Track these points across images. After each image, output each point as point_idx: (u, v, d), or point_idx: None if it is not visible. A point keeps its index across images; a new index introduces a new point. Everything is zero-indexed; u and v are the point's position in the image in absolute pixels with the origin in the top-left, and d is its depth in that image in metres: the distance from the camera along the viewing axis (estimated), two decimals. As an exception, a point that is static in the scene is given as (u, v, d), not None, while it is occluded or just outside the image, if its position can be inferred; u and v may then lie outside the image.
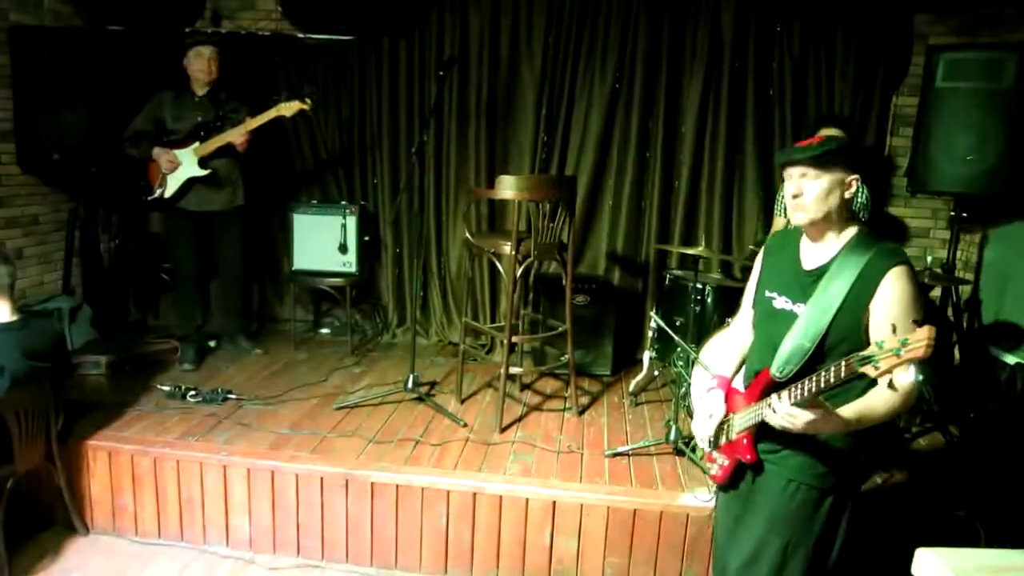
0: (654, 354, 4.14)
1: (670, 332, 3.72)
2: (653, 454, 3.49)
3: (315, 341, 5.15)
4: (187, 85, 4.24)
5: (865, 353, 1.63)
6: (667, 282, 4.41)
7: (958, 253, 4.37)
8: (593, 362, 4.56)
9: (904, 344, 1.56)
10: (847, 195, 1.99)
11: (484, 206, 4.96)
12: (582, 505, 3.12)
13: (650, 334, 4.11)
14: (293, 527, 3.32)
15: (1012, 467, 3.41)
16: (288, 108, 4.10)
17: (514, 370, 3.95)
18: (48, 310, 4.26)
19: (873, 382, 1.68)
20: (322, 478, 3.26)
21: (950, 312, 4.29)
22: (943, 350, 4.25)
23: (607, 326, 4.54)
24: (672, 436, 3.50)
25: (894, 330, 1.61)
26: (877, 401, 1.85)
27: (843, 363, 1.69)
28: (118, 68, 4.60)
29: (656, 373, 4.23)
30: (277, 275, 5.28)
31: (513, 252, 3.62)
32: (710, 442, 2.20)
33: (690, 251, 3.94)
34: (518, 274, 3.70)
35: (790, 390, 1.85)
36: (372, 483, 3.23)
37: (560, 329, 3.98)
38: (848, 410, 1.85)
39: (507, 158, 4.94)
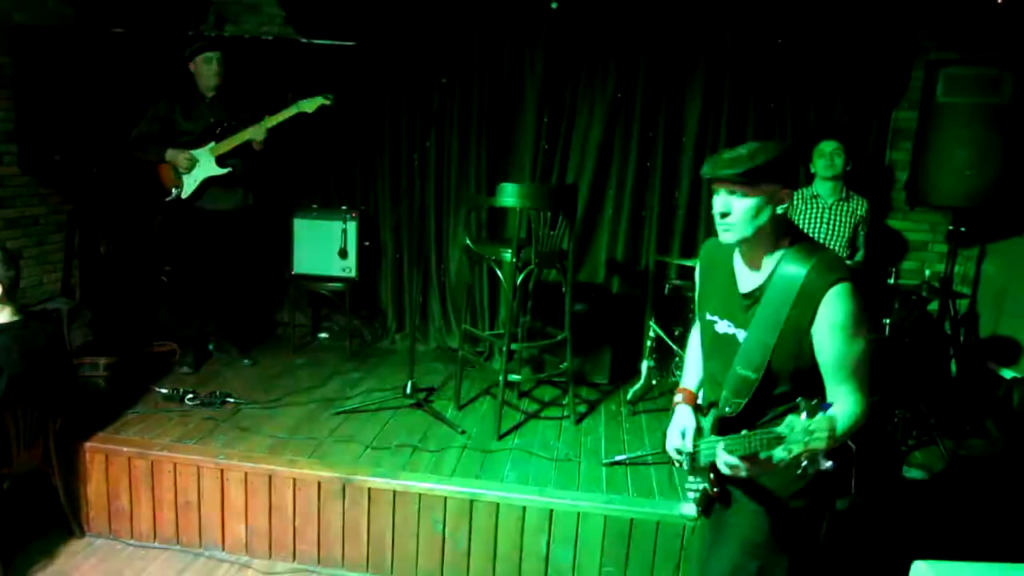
0: (652, 363, 4.15)
1: (668, 342, 3.74)
2: (651, 463, 3.49)
3: (314, 346, 5.16)
4: (194, 88, 4.23)
5: (779, 430, 1.60)
6: (666, 292, 4.42)
7: (956, 267, 4.39)
8: (591, 370, 4.57)
9: (810, 432, 1.52)
10: (780, 210, 1.83)
11: (484, 213, 4.97)
12: (579, 514, 3.12)
13: (648, 343, 4.13)
14: (290, 531, 3.32)
15: (1010, 479, 3.42)
16: (310, 104, 4.08)
17: (512, 377, 3.95)
18: (47, 311, 4.26)
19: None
20: (319, 483, 3.26)
21: (947, 326, 4.31)
22: (940, 364, 4.27)
23: (606, 335, 4.55)
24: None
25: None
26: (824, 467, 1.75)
27: (763, 438, 1.67)
28: (120, 70, 4.60)
29: (654, 382, 4.24)
30: (277, 279, 5.28)
31: (513, 260, 3.63)
32: (685, 457, 2.09)
33: (689, 263, 3.95)
34: (518, 282, 3.71)
35: (725, 447, 1.81)
36: (369, 488, 3.23)
37: (559, 337, 3.98)
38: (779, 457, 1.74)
39: (508, 166, 4.95)
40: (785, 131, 4.62)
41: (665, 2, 4.54)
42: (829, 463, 1.57)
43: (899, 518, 3.13)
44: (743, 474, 1.79)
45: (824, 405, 1.60)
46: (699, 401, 2.18)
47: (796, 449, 1.54)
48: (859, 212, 4.06)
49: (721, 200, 1.85)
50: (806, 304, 1.77)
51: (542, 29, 4.71)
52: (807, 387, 1.83)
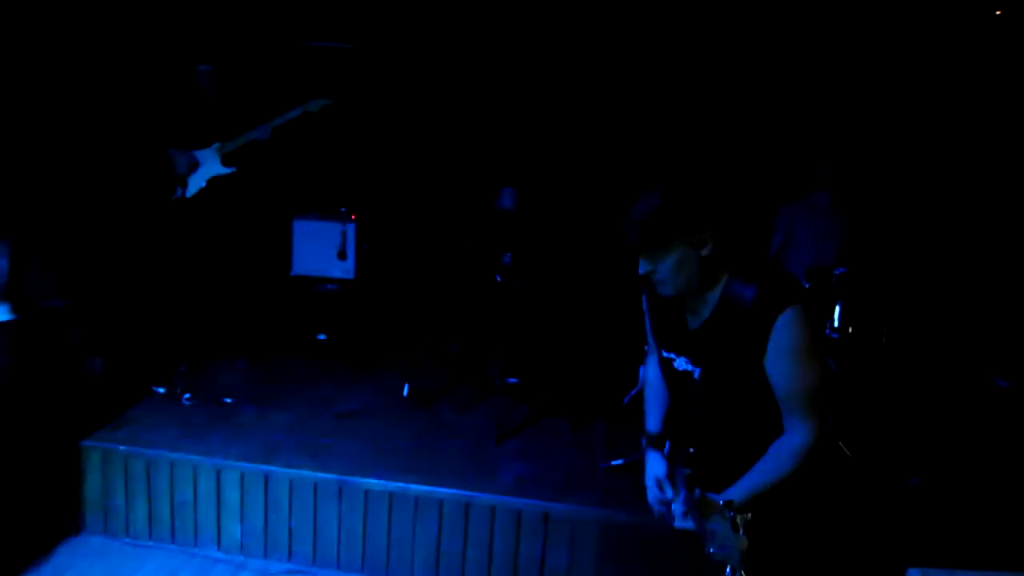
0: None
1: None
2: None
3: (312, 347, 5.15)
4: (198, 89, 4.25)
5: (709, 527, 1.54)
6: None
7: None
8: (591, 374, 4.57)
9: (724, 545, 1.48)
10: (704, 253, 1.74)
11: (485, 215, 4.96)
12: (575, 518, 3.12)
13: (647, 348, 4.12)
14: (285, 532, 3.31)
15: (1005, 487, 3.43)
16: (315, 104, 4.13)
17: (511, 381, 3.96)
18: (46, 309, 4.25)
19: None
20: (316, 484, 3.26)
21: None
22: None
23: (606, 338, 4.55)
24: (666, 451, 3.50)
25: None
26: (764, 475, 1.76)
27: (700, 522, 1.60)
28: (124, 67, 4.62)
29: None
30: (276, 280, 5.27)
31: (512, 263, 3.63)
32: (675, 505, 1.96)
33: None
34: (518, 285, 3.71)
35: (682, 501, 1.78)
36: (366, 491, 3.23)
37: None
38: (741, 490, 1.75)
39: (510, 169, 4.96)
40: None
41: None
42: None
43: (895, 525, 3.13)
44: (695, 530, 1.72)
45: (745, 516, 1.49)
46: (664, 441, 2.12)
47: (717, 550, 1.51)
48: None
49: (641, 263, 1.79)
50: (757, 334, 1.70)
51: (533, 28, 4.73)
52: (767, 416, 1.78)
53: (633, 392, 4.21)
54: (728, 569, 1.49)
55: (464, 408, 4.14)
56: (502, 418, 3.84)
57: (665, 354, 1.96)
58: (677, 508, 1.84)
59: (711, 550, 1.54)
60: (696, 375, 1.85)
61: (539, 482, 3.32)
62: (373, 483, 3.24)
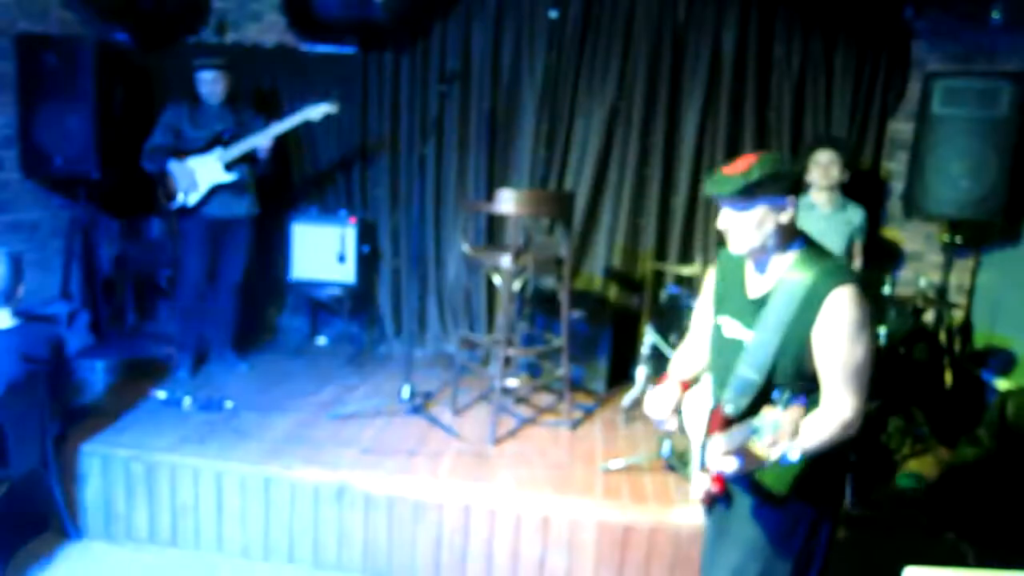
0: (648, 370, 4.16)
1: (665, 349, 3.75)
2: (646, 470, 3.51)
3: (312, 351, 5.17)
4: (200, 96, 4.27)
5: (755, 423, 1.65)
6: (663, 299, 4.44)
7: (951, 277, 4.42)
8: (588, 377, 4.58)
9: (777, 426, 1.58)
10: (783, 220, 1.90)
11: (483, 220, 4.99)
12: (574, 520, 3.14)
13: (645, 351, 4.14)
14: (286, 536, 3.33)
15: (1001, 489, 3.44)
16: (315, 112, 4.14)
17: (509, 383, 3.97)
18: (47, 315, 4.27)
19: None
20: (316, 488, 3.27)
21: (942, 336, 4.33)
22: (935, 373, 4.28)
23: (602, 342, 4.56)
24: (665, 452, 3.52)
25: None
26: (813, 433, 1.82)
27: (743, 430, 1.72)
28: (123, 76, 4.63)
29: (650, 389, 4.24)
30: (275, 284, 5.30)
31: (510, 266, 3.65)
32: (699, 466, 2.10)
33: (685, 271, 3.97)
34: (515, 288, 3.73)
35: (721, 442, 1.86)
36: (366, 493, 3.25)
37: (555, 343, 4.00)
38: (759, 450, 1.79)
39: (506, 172, 4.97)
40: (782, 140, 4.65)
41: (664, 11, 4.58)
42: (797, 455, 1.61)
43: (892, 526, 3.14)
44: (735, 468, 1.82)
45: (799, 399, 1.63)
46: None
47: (767, 440, 1.60)
48: (855, 222, 4.08)
49: (724, 216, 1.95)
50: (811, 307, 1.83)
51: (541, 37, 4.75)
52: (808, 391, 1.85)
53: (633, 394, 4.23)
54: (785, 452, 1.60)
55: (463, 409, 4.15)
56: (500, 419, 3.85)
57: (719, 320, 2.08)
58: (714, 448, 1.91)
59: (761, 440, 1.63)
60: (747, 340, 1.96)
61: (539, 484, 3.33)
62: (373, 486, 3.25)
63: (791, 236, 1.94)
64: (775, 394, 1.65)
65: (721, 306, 2.12)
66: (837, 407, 1.83)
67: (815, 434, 1.81)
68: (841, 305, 1.80)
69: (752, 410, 1.90)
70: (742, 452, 1.78)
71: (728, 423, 1.93)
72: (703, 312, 2.25)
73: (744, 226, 1.91)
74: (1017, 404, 3.50)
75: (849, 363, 1.82)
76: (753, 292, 2.00)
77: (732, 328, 2.03)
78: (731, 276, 2.09)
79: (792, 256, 1.93)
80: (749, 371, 1.92)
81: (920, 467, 3.67)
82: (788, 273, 1.90)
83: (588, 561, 3.15)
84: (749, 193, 1.86)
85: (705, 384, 2.23)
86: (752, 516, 2.03)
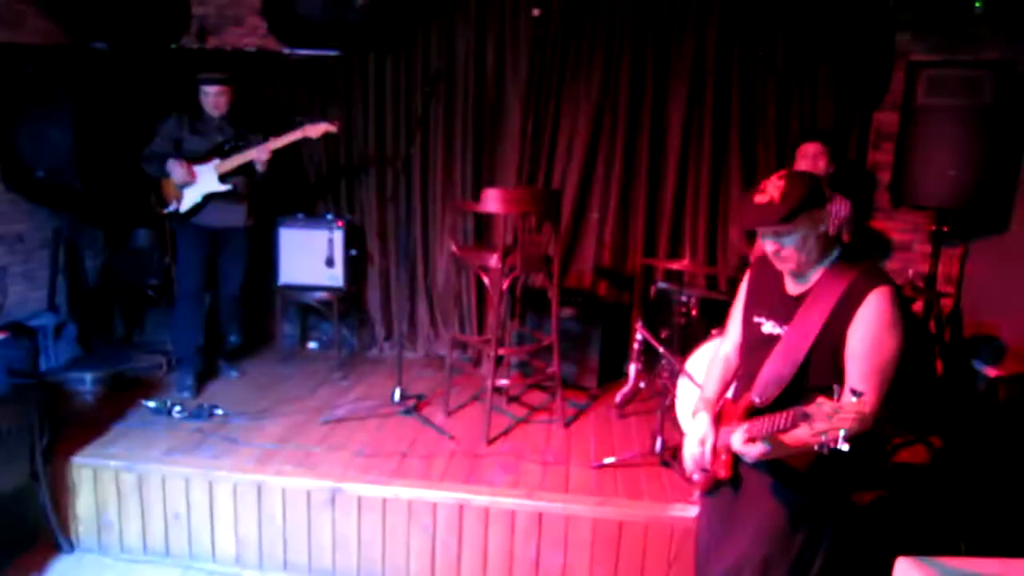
0: (640, 366, 4.17)
1: (656, 344, 3.75)
2: (639, 466, 3.51)
3: (302, 355, 5.15)
4: (201, 107, 4.24)
5: (806, 410, 1.67)
6: (652, 295, 4.44)
7: (940, 267, 4.43)
8: (579, 374, 4.58)
9: (837, 412, 1.60)
10: (822, 231, 1.96)
11: (470, 220, 4.98)
12: (568, 517, 3.13)
13: (636, 346, 4.14)
14: (280, 541, 3.31)
15: (991, 478, 3.45)
16: (315, 129, 4.12)
17: (501, 383, 3.97)
18: (24, 328, 4.24)
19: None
20: (309, 492, 3.26)
21: (932, 325, 4.35)
22: (925, 362, 4.30)
23: (593, 339, 4.57)
24: (658, 448, 3.53)
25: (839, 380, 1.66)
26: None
27: (789, 414, 1.75)
28: (103, 85, 4.59)
29: (641, 385, 4.26)
30: (264, 289, 5.27)
31: (499, 265, 3.64)
32: (698, 465, 2.16)
33: (675, 266, 3.97)
34: (504, 287, 3.72)
35: (747, 429, 1.90)
36: (359, 497, 3.23)
37: (546, 342, 4.00)
38: (798, 437, 1.83)
39: (493, 172, 4.97)
40: (767, 134, 4.65)
41: (647, 7, 4.58)
42: (847, 446, 1.63)
43: (884, 514, 3.14)
44: (751, 456, 1.87)
45: (857, 392, 1.65)
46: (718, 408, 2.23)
47: (820, 427, 1.61)
48: (842, 213, 4.08)
49: (769, 244, 2.00)
50: (849, 304, 1.88)
51: (524, 35, 4.74)
52: (835, 382, 1.85)
53: (625, 390, 4.23)
54: (841, 437, 1.61)
55: (455, 410, 4.14)
56: (493, 418, 3.85)
57: (756, 319, 2.12)
58: (736, 435, 1.95)
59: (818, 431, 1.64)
60: (782, 335, 2.01)
61: (533, 482, 3.33)
62: (366, 489, 3.24)
63: (832, 241, 2.01)
64: (834, 387, 1.67)
65: (756, 305, 2.16)
66: (857, 400, 1.84)
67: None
68: (878, 303, 1.86)
69: (779, 405, 1.93)
70: (771, 439, 1.83)
71: (753, 413, 1.97)
72: (736, 316, 2.28)
73: (792, 247, 1.96)
74: (1009, 390, 3.52)
75: (876, 359, 1.86)
76: (792, 290, 2.05)
77: (768, 325, 2.08)
78: (768, 276, 2.14)
79: (832, 257, 2.00)
80: (781, 365, 1.97)
81: (911, 456, 3.68)
82: (829, 274, 1.96)
83: (583, 558, 3.14)
84: (791, 219, 1.90)
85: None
86: (765, 500, 2.05)
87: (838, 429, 1.60)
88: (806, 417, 1.66)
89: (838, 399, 1.63)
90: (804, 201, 1.90)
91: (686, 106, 4.66)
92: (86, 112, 4.41)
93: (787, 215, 1.89)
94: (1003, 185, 4.17)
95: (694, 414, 2.23)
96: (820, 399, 1.65)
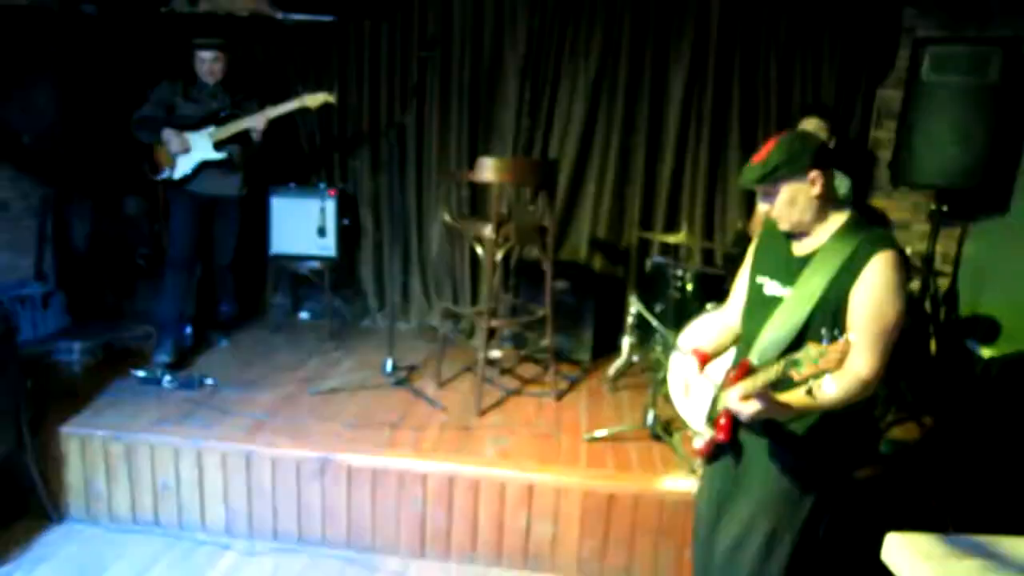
0: (633, 340, 4.15)
1: (650, 318, 3.73)
2: (630, 439, 3.49)
3: (294, 326, 5.12)
4: (195, 73, 4.16)
5: (795, 356, 1.68)
6: (648, 268, 4.41)
7: (938, 246, 4.39)
8: (573, 348, 4.56)
9: (822, 355, 1.60)
10: (815, 192, 1.97)
11: (465, 189, 4.91)
12: (559, 489, 3.13)
13: (630, 320, 4.12)
14: (269, 512, 3.30)
15: (981, 457, 3.46)
16: (313, 100, 4.08)
17: (493, 355, 3.94)
18: (21, 296, 4.19)
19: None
20: (298, 462, 3.24)
21: (928, 305, 4.33)
22: (920, 341, 4.29)
23: (587, 312, 4.54)
24: (650, 421, 3.51)
25: (831, 333, 1.64)
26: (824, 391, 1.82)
27: (779, 364, 1.74)
28: (92, 48, 4.50)
29: (635, 359, 4.24)
30: (255, 258, 5.21)
31: (493, 236, 3.60)
32: (706, 419, 2.19)
33: (671, 239, 3.94)
34: (498, 258, 3.68)
35: (742, 386, 1.89)
36: (349, 467, 3.22)
37: (540, 314, 3.97)
38: (796, 397, 1.84)
39: (489, 141, 4.89)
40: (769, 108, 4.59)
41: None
42: (833, 386, 1.67)
43: (875, 493, 3.15)
44: (746, 414, 1.85)
45: (848, 336, 1.63)
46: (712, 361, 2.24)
47: (805, 370, 1.63)
48: (841, 190, 4.04)
49: (760, 200, 2.07)
50: (853, 267, 1.89)
51: (523, 2, 4.64)
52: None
53: (618, 364, 4.22)
54: (827, 380, 1.65)
55: (447, 381, 4.12)
56: (485, 390, 3.83)
57: (759, 279, 2.15)
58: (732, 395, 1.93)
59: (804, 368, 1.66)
60: (785, 296, 2.02)
61: (524, 454, 3.32)
62: (356, 459, 3.22)
63: (836, 204, 2.03)
64: (822, 332, 1.68)
65: (761, 266, 2.18)
66: (858, 364, 1.86)
67: (834, 386, 1.82)
68: (882, 267, 1.86)
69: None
70: (764, 395, 1.82)
71: (751, 372, 1.96)
72: (742, 278, 2.29)
73: (778, 206, 2.00)
74: (1002, 371, 3.51)
75: (879, 323, 1.86)
76: (799, 250, 2.07)
77: (771, 286, 2.09)
78: (776, 238, 2.14)
79: (838, 221, 2.00)
80: (782, 326, 1.97)
81: (904, 435, 3.68)
82: (836, 237, 1.98)
83: (573, 530, 3.14)
84: (769, 179, 1.97)
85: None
86: (767, 465, 2.05)
87: (823, 370, 1.60)
88: (794, 364, 1.67)
89: (828, 343, 1.63)
90: (781, 163, 1.95)
91: (687, 77, 4.58)
92: (74, 76, 4.33)
93: (762, 176, 1.98)
94: (1005, 166, 4.11)
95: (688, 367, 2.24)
96: (809, 344, 1.65)
